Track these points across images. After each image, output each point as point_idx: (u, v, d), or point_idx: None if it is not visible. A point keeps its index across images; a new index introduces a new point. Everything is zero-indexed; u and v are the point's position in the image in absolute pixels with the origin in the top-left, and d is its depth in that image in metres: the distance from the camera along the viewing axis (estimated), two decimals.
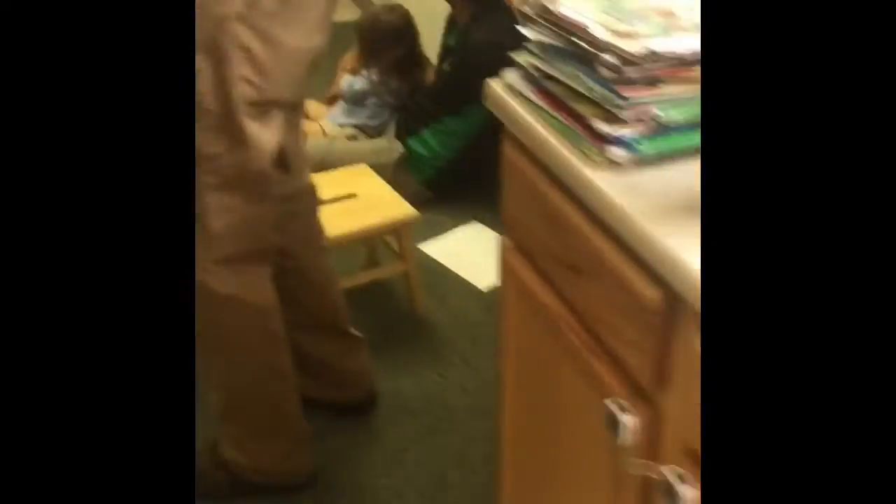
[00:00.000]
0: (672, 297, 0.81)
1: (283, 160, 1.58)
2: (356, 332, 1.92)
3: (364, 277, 2.31)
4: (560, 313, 1.06)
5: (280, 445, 1.76)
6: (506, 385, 1.33)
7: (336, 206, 2.15)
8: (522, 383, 1.27)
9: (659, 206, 0.84)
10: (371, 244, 2.42)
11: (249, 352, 1.63)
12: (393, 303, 2.37)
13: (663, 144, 0.90)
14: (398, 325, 2.27)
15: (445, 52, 2.91)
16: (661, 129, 0.90)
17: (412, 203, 2.26)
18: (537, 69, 1.03)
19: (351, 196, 2.20)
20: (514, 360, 1.28)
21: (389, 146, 2.81)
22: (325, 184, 2.26)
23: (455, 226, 2.64)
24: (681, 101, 0.91)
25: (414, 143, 2.78)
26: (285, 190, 1.62)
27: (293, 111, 1.63)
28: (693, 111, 0.90)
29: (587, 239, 0.94)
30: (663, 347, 0.85)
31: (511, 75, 1.10)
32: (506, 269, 1.22)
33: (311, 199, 1.77)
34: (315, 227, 1.79)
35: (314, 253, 1.79)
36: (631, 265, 0.87)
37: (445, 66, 2.86)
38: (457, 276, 2.44)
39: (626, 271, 0.87)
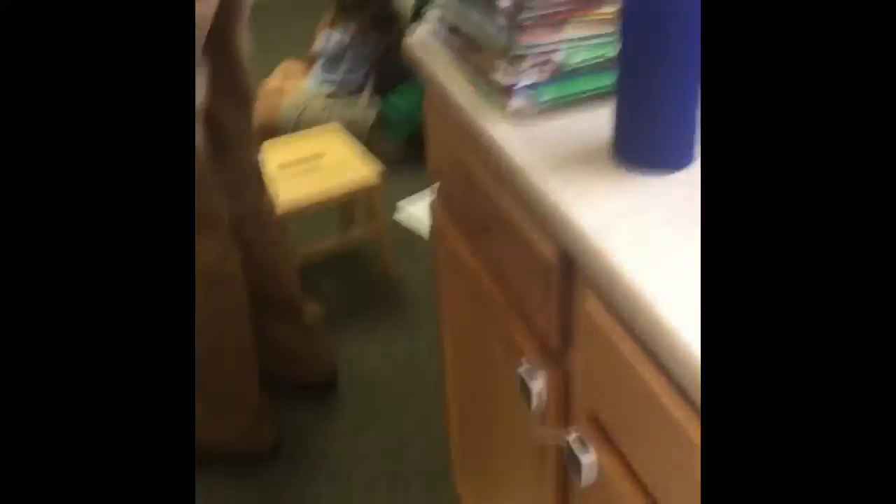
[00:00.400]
0: (565, 254, 0.76)
1: (222, 135, 1.55)
2: (316, 311, 1.87)
3: (335, 242, 2.27)
4: (479, 274, 1.01)
5: (243, 418, 1.74)
6: (445, 350, 1.29)
7: (301, 167, 2.10)
8: (457, 348, 1.23)
9: (554, 158, 0.79)
10: (348, 207, 2.38)
11: (210, 323, 1.60)
12: (366, 266, 2.33)
13: (565, 90, 0.85)
14: (371, 289, 2.24)
15: (418, 8, 2.84)
16: (564, 73, 0.85)
17: (390, 162, 2.20)
18: (446, 20, 0.98)
19: (318, 157, 2.15)
20: (449, 324, 1.24)
21: (367, 104, 2.75)
22: (293, 144, 2.22)
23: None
24: (585, 45, 0.85)
25: (391, 101, 2.72)
26: (225, 162, 1.58)
27: (244, 102, 1.62)
28: (597, 53, 0.85)
29: (493, 195, 0.89)
30: (563, 307, 0.81)
31: (426, 27, 1.05)
32: (436, 229, 1.18)
33: (254, 171, 1.72)
34: (260, 200, 1.73)
35: (261, 227, 1.73)
36: (530, 222, 0.82)
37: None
38: None
39: (525, 229, 0.83)
